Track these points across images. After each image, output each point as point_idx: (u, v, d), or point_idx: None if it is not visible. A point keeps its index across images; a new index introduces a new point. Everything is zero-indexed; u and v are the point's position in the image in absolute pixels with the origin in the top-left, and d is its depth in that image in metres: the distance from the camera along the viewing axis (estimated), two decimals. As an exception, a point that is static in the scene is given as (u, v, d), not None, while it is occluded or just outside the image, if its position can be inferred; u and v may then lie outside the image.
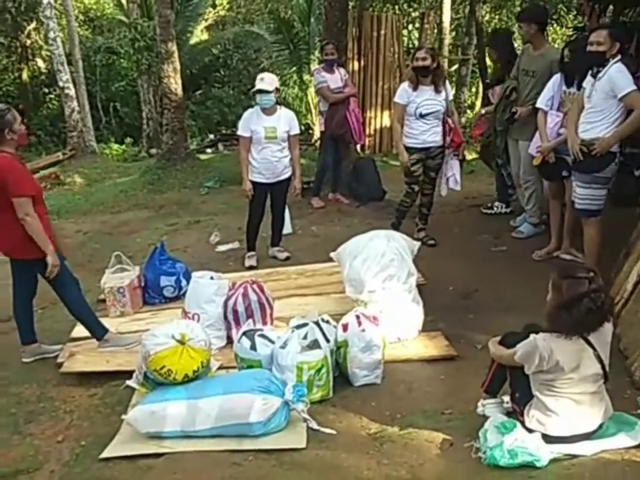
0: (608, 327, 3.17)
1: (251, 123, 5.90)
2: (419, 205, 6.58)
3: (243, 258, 6.45)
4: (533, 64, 6.09)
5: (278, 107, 5.94)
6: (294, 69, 14.10)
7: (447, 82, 6.29)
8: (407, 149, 6.15)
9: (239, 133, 6.03)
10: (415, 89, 6.01)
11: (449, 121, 6.19)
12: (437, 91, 6.02)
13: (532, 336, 3.13)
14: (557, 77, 5.57)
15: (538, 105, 5.66)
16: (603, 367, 3.14)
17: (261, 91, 5.72)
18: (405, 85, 6.12)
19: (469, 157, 11.71)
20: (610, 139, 4.80)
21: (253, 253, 6.42)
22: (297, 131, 6.07)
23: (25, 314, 4.73)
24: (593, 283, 3.05)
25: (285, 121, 5.92)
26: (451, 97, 6.23)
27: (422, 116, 6.02)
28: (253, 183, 6.04)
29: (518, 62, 6.31)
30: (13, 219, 4.26)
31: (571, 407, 3.14)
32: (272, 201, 6.31)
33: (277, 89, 5.87)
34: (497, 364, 3.50)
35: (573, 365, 3.08)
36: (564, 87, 5.51)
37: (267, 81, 5.77)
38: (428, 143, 6.12)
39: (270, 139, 5.88)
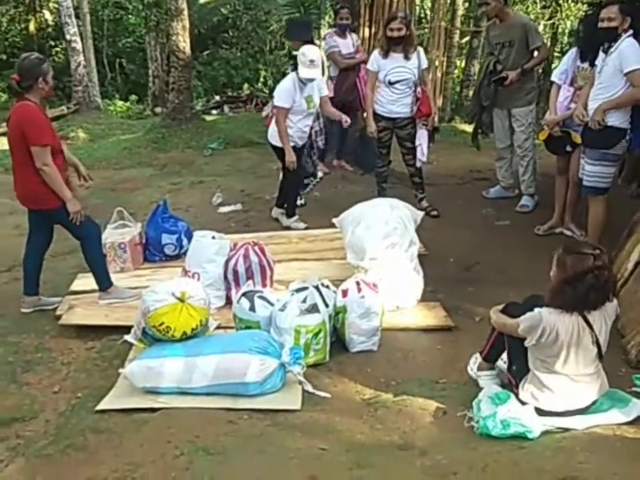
0: (611, 307, 3.17)
1: (292, 93, 5.80)
2: (409, 175, 6.55)
3: (246, 219, 6.44)
4: (506, 35, 6.23)
5: None
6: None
7: (421, 50, 6.22)
8: (376, 115, 6.15)
9: (280, 104, 5.83)
10: (385, 56, 5.98)
11: (418, 90, 6.13)
12: (407, 58, 5.96)
13: (537, 310, 3.12)
14: (572, 51, 5.56)
15: (552, 78, 5.68)
16: (599, 347, 3.14)
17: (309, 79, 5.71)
18: (376, 52, 6.10)
19: (467, 128, 11.68)
20: (601, 107, 4.76)
21: (296, 217, 6.37)
22: (327, 92, 6.06)
23: (34, 265, 4.76)
24: (598, 260, 3.04)
25: (317, 88, 5.89)
26: (425, 66, 6.13)
27: (391, 83, 5.99)
28: (281, 148, 5.97)
29: (487, 38, 6.52)
30: (33, 172, 4.30)
31: (566, 384, 3.16)
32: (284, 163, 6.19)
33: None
34: (496, 333, 3.49)
35: (571, 343, 3.08)
36: (578, 62, 5.46)
37: (317, 64, 5.68)
38: (395, 113, 6.11)
39: (311, 108, 5.89)
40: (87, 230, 4.59)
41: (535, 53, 6.28)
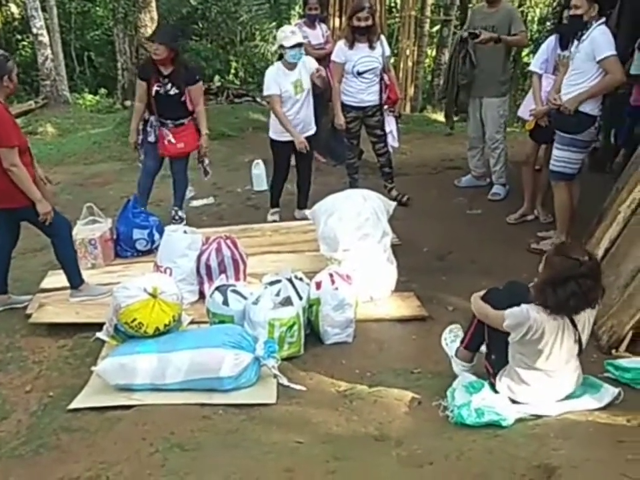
0: (591, 312, 3.15)
1: (279, 80, 5.71)
2: (379, 166, 6.55)
3: (218, 213, 6.39)
4: (490, 19, 6.26)
5: None
6: (274, 24, 13.89)
7: (384, 38, 6.23)
8: (344, 106, 6.12)
9: (268, 92, 5.74)
10: (350, 47, 5.96)
11: (386, 77, 6.16)
12: (372, 47, 5.95)
13: (524, 306, 3.09)
14: (551, 39, 5.55)
15: (531, 68, 5.69)
16: (580, 345, 3.15)
17: (295, 46, 5.57)
18: (341, 44, 6.06)
19: (439, 117, 11.72)
20: (578, 97, 4.78)
21: (277, 209, 6.31)
22: (315, 66, 5.88)
23: (2, 264, 4.67)
24: (584, 267, 2.99)
25: (305, 71, 5.78)
26: (388, 53, 6.17)
27: (359, 74, 5.98)
28: (280, 142, 5.89)
29: (470, 21, 6.48)
30: (2, 169, 4.20)
31: (544, 380, 3.17)
32: (297, 159, 6.12)
33: (301, 44, 5.67)
34: (477, 321, 3.46)
35: (555, 341, 3.08)
36: (559, 50, 5.45)
37: (293, 32, 5.64)
38: (365, 101, 6.10)
39: (299, 93, 5.77)
40: (57, 227, 4.52)
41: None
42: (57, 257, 4.66)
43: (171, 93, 5.69)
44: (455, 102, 6.71)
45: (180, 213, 6.16)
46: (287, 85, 5.70)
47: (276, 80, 5.71)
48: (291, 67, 5.69)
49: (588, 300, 3.05)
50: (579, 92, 4.79)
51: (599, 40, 4.65)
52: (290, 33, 5.64)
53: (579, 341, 3.14)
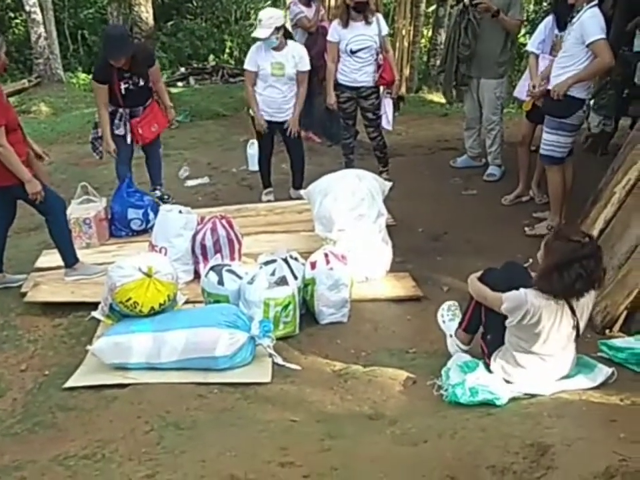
0: (590, 298, 3.15)
1: (258, 57, 5.71)
2: (372, 149, 6.52)
3: (213, 193, 6.36)
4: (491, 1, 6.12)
5: (287, 42, 5.75)
6: (269, 2, 13.77)
7: (381, 17, 6.17)
8: (339, 85, 6.09)
9: (245, 66, 5.85)
10: (345, 25, 5.91)
11: (380, 57, 6.07)
12: (368, 22, 5.89)
13: (522, 290, 3.09)
14: (548, 20, 5.48)
15: (528, 48, 5.65)
16: (578, 330, 3.16)
17: (266, 38, 5.55)
18: (335, 23, 6.02)
19: (435, 98, 11.68)
20: (567, 81, 4.76)
21: (269, 189, 6.28)
22: (306, 68, 5.80)
23: None
24: (586, 248, 2.99)
25: (293, 58, 5.72)
26: (385, 32, 6.08)
27: (352, 52, 5.93)
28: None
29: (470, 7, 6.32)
30: None
31: (540, 364, 3.17)
32: (285, 143, 6.14)
33: (278, 28, 5.55)
34: (474, 302, 3.45)
35: (552, 327, 3.08)
36: (556, 31, 5.39)
37: (265, 24, 5.53)
38: (359, 82, 6.05)
39: (277, 75, 5.71)
40: (52, 205, 4.49)
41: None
42: (51, 236, 4.64)
43: (141, 84, 5.59)
44: (454, 75, 6.60)
45: (163, 190, 6.17)
46: (264, 63, 5.70)
47: (254, 57, 5.74)
48: (278, 48, 5.66)
49: (592, 281, 3.04)
50: (567, 75, 4.77)
51: (587, 23, 4.61)
52: (258, 23, 5.64)
53: (577, 327, 3.14)
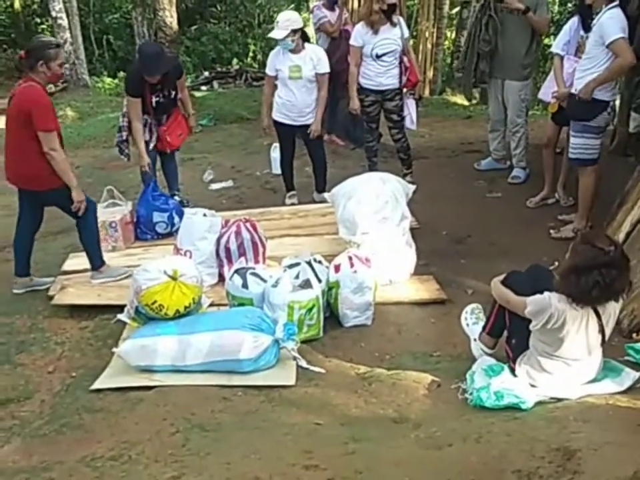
0: (614, 305, 3.10)
1: (276, 61, 5.78)
2: (396, 151, 6.51)
3: (237, 196, 6.39)
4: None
5: (305, 45, 5.76)
6: (292, 6, 13.82)
7: (402, 20, 6.17)
8: (363, 89, 6.08)
9: (266, 71, 5.97)
10: (369, 30, 5.90)
11: (405, 60, 6.09)
12: (393, 25, 5.89)
13: (546, 294, 3.05)
14: (573, 21, 5.44)
15: (553, 49, 5.59)
16: (604, 335, 3.12)
17: (283, 38, 5.58)
18: (359, 27, 6.02)
19: (459, 100, 11.63)
20: (590, 84, 4.72)
21: (293, 192, 6.31)
22: (325, 70, 5.78)
23: (25, 246, 4.73)
24: (608, 257, 2.93)
25: (311, 60, 5.73)
26: (407, 35, 6.12)
27: (378, 57, 5.93)
28: (277, 122, 5.94)
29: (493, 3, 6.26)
30: (36, 151, 4.25)
31: (565, 369, 3.14)
32: (306, 146, 6.17)
33: (295, 30, 5.56)
34: (498, 305, 3.43)
35: (577, 331, 3.04)
36: (581, 32, 5.34)
37: (281, 25, 5.57)
38: (384, 85, 6.05)
39: (294, 78, 5.73)
40: (84, 210, 4.55)
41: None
42: (81, 239, 4.70)
43: (172, 96, 5.68)
44: (474, 72, 6.54)
45: (181, 194, 6.24)
46: (282, 66, 5.74)
47: (273, 60, 5.82)
48: (295, 51, 5.69)
49: (612, 291, 2.99)
50: (589, 78, 4.73)
51: (607, 24, 4.58)
52: (275, 24, 5.71)
53: (602, 332, 3.10)
